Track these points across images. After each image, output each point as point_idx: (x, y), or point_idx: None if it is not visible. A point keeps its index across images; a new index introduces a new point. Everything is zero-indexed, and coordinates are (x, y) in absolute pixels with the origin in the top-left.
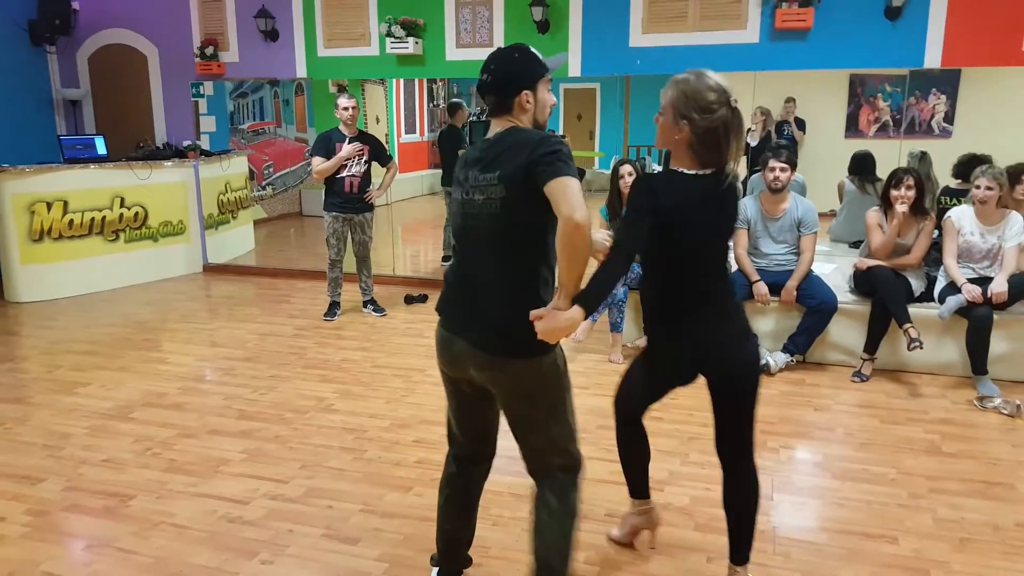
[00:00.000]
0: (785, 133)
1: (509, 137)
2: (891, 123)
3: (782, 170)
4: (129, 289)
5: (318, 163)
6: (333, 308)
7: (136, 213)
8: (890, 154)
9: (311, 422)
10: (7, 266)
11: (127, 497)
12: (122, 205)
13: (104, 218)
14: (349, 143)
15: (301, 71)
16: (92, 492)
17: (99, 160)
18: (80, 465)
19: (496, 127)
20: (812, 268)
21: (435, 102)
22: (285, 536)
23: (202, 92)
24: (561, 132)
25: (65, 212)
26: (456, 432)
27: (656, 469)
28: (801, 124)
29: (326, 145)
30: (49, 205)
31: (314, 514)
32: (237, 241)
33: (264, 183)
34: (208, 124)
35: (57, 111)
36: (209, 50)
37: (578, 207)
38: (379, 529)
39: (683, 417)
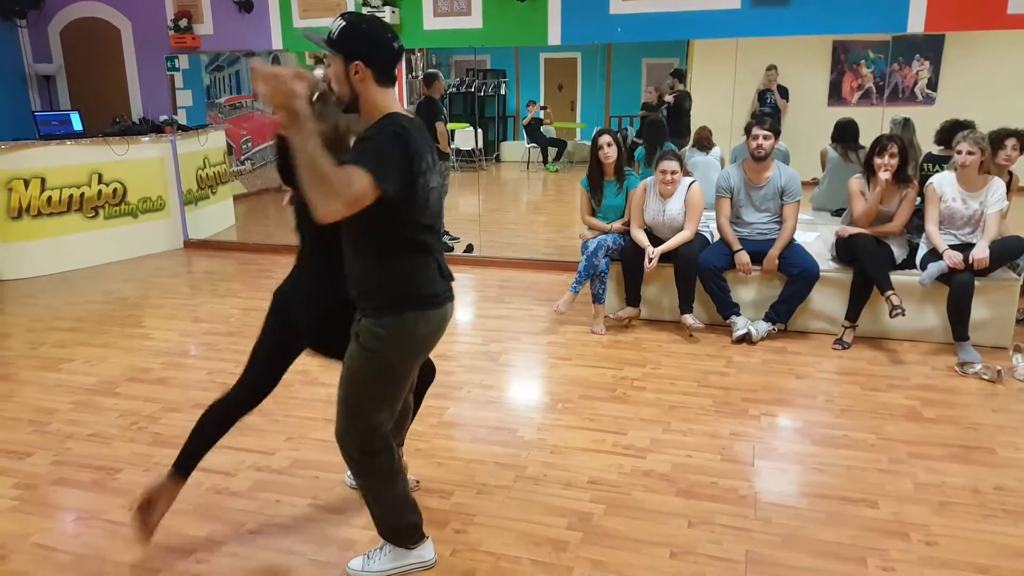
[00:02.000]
0: (768, 101)
1: (419, 121)
2: (874, 90)
3: (765, 138)
4: (110, 266)
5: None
6: None
7: (115, 189)
8: (873, 121)
9: (296, 395)
10: None
11: (114, 471)
12: (100, 181)
13: (83, 195)
14: None
15: (277, 43)
16: (79, 466)
17: (75, 136)
18: (66, 440)
19: (399, 106)
20: (794, 236)
21: (413, 73)
22: (272, 506)
23: (177, 66)
24: (542, 103)
25: (43, 189)
26: (396, 413)
27: (638, 437)
28: (784, 92)
29: None
30: (27, 182)
31: (300, 485)
32: (217, 216)
33: (243, 158)
34: (184, 98)
35: (30, 86)
36: (183, 22)
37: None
38: None
39: (665, 386)
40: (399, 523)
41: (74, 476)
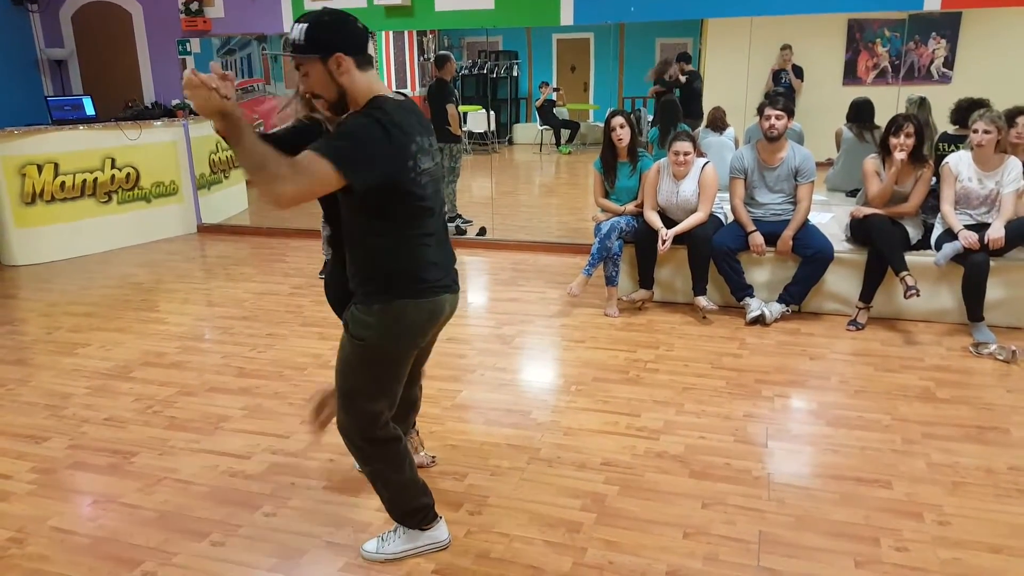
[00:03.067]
0: (783, 81)
1: (409, 102)
2: (890, 69)
3: (778, 118)
4: (124, 251)
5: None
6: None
7: (128, 174)
8: (888, 101)
9: (310, 378)
10: (1, 229)
11: (130, 454)
12: (113, 166)
13: (96, 180)
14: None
15: (287, 26)
16: (95, 450)
17: (88, 121)
18: (82, 424)
19: (385, 87)
20: (809, 217)
21: (425, 55)
22: (287, 489)
23: (188, 49)
24: (555, 84)
25: (56, 174)
26: (395, 401)
27: (652, 419)
28: (799, 71)
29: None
30: (40, 167)
31: (315, 468)
32: (230, 201)
33: None
34: None
35: (43, 71)
36: (194, 6)
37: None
38: None
39: (678, 368)
40: (410, 506)
41: (90, 460)
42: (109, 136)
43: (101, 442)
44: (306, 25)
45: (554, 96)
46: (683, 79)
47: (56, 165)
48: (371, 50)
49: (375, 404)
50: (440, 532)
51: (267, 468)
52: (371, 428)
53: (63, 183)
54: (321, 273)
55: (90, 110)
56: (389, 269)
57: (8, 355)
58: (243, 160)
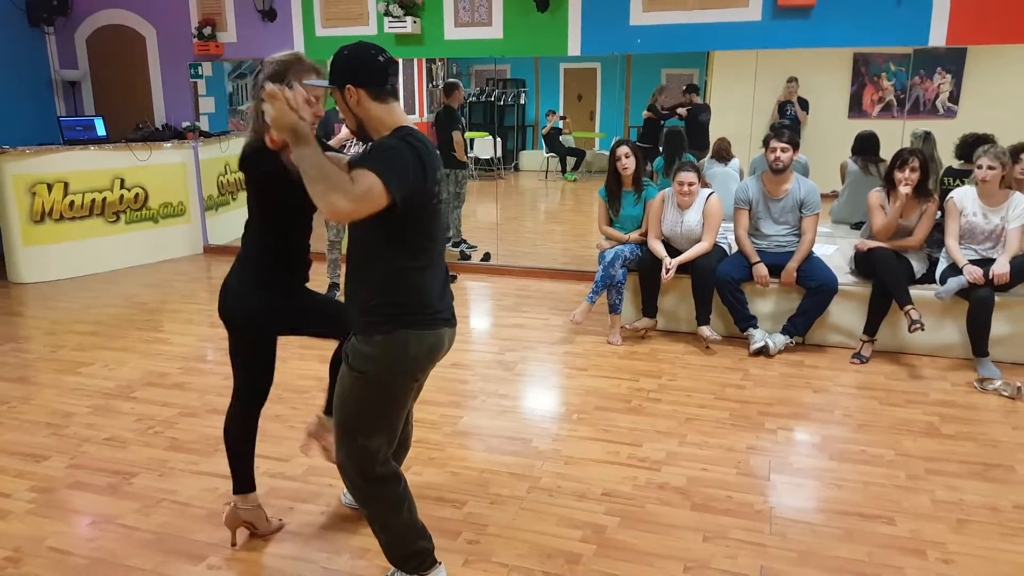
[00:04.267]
0: (788, 113)
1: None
2: (895, 103)
3: (783, 150)
4: (130, 270)
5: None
6: (332, 289)
7: (136, 194)
8: (893, 134)
9: (311, 402)
10: (9, 247)
11: (130, 475)
12: (122, 187)
13: (105, 199)
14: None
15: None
16: (95, 470)
17: (99, 141)
18: (83, 443)
19: (403, 116)
20: (813, 250)
21: (434, 82)
22: (286, 513)
23: (200, 73)
24: (561, 112)
25: (66, 193)
26: (395, 437)
27: (653, 449)
28: (804, 104)
29: (325, 127)
30: (50, 186)
31: (314, 492)
32: (237, 222)
33: None
34: (207, 105)
35: (56, 92)
36: (207, 30)
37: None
38: None
39: (681, 398)
40: (408, 551)
41: (90, 480)
42: (119, 157)
43: (101, 462)
44: (332, 60)
45: (560, 124)
46: (682, 112)
47: (66, 184)
48: (393, 82)
49: (374, 440)
50: None
51: (266, 491)
52: (370, 464)
53: (72, 202)
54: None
55: (101, 131)
56: (393, 298)
57: (11, 373)
58: (308, 170)
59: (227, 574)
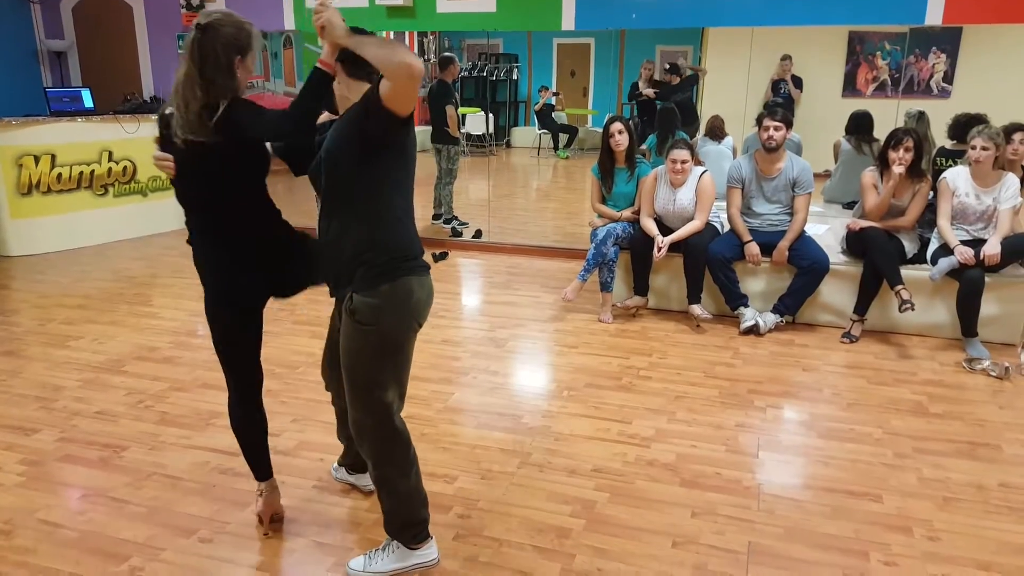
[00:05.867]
0: (782, 91)
1: None
2: (889, 82)
3: (776, 129)
4: (119, 244)
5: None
6: None
7: (124, 167)
8: (887, 114)
9: (302, 377)
10: None
11: (120, 448)
12: (110, 159)
13: (92, 172)
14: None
15: (289, 23)
16: (86, 443)
17: (86, 113)
18: (73, 417)
19: None
20: (805, 229)
21: (426, 56)
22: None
23: None
24: (554, 88)
25: (53, 166)
26: (405, 390)
27: (643, 426)
28: (798, 82)
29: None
30: (37, 159)
31: (305, 466)
32: None
33: None
34: None
35: (42, 63)
36: (195, 1)
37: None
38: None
39: (671, 376)
40: (409, 518)
41: (80, 453)
42: (107, 129)
43: (91, 435)
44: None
45: (553, 100)
46: (649, 92)
47: (53, 156)
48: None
49: (389, 392)
50: (430, 552)
51: None
52: (388, 417)
53: (60, 175)
54: None
55: (88, 102)
56: (390, 247)
57: (0, 346)
58: (375, 50)
59: (218, 548)
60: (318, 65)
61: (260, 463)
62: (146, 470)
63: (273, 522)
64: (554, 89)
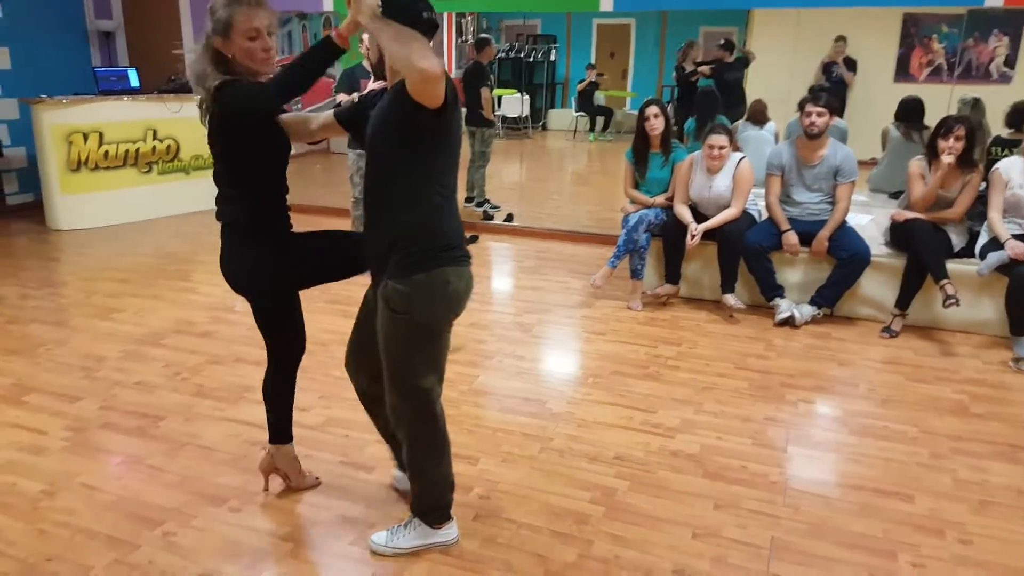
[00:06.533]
0: (834, 75)
1: None
2: (945, 67)
3: (819, 115)
4: (161, 220)
5: (343, 100)
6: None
7: (168, 146)
8: (940, 100)
9: (332, 355)
10: (48, 195)
11: (157, 418)
12: (155, 137)
13: (138, 150)
14: (374, 80)
15: (328, 5)
16: (125, 412)
17: (132, 92)
18: (114, 386)
19: None
20: (847, 219)
21: (464, 37)
22: (304, 461)
23: None
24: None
25: (101, 143)
26: (443, 374)
27: (669, 416)
28: (852, 64)
29: (350, 82)
30: (86, 136)
31: (332, 442)
32: None
33: None
34: None
35: (91, 42)
36: None
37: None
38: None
39: (700, 367)
40: (437, 501)
41: (120, 421)
42: (152, 108)
43: (131, 405)
44: None
45: (597, 80)
46: (705, 70)
47: (101, 134)
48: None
49: (426, 379)
50: (450, 532)
51: None
52: (427, 402)
53: (107, 152)
54: None
55: (135, 82)
56: (428, 236)
57: (48, 316)
58: (390, 51)
59: (247, 516)
60: (332, 36)
61: (285, 426)
62: (181, 440)
63: (287, 487)
64: (598, 70)
